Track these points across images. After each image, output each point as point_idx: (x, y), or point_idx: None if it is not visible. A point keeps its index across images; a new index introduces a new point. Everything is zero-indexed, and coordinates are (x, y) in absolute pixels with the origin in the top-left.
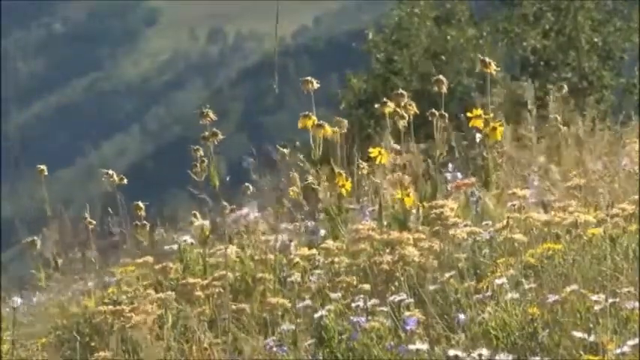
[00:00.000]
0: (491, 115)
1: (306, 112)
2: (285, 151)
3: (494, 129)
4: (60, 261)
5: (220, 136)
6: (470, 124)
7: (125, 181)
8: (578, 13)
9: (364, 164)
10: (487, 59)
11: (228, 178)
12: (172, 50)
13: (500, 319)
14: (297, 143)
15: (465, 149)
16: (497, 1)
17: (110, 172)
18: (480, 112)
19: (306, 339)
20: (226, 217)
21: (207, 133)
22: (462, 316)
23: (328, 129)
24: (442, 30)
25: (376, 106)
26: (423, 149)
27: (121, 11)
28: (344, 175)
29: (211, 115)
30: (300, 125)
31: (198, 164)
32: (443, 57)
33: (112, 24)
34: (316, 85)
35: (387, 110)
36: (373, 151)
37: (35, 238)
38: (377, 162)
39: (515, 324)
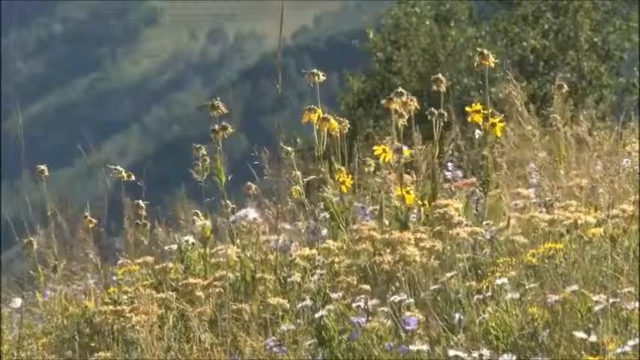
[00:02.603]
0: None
1: (311, 106)
2: (289, 149)
3: (493, 125)
4: (58, 261)
5: (230, 130)
6: (469, 120)
7: (132, 177)
8: (577, 12)
9: (371, 161)
10: (485, 51)
11: (230, 178)
12: (172, 50)
13: (501, 319)
14: (299, 141)
15: (465, 148)
16: (497, 0)
17: (118, 167)
18: (479, 106)
19: (306, 339)
20: (227, 216)
21: (217, 127)
22: (462, 317)
23: (334, 123)
24: (441, 29)
25: (382, 102)
26: (424, 148)
27: (121, 11)
28: (344, 171)
29: (222, 107)
30: (304, 119)
31: (200, 163)
32: (442, 57)
33: (112, 24)
34: (322, 78)
35: (393, 106)
36: (377, 149)
37: (31, 238)
38: (381, 160)
39: (516, 324)
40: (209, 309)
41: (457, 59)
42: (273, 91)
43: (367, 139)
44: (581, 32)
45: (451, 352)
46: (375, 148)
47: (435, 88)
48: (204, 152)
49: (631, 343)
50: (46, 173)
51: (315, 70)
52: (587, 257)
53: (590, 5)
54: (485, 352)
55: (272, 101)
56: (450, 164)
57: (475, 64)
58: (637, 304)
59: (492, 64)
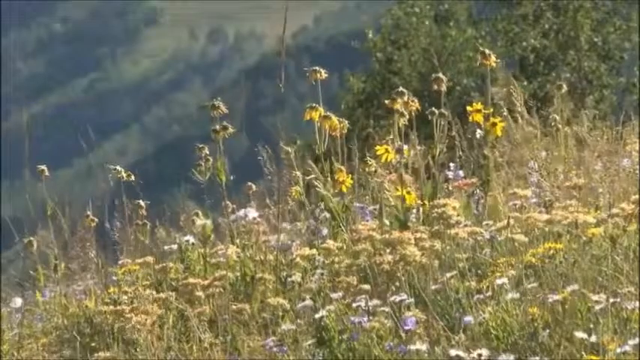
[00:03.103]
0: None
1: (313, 104)
2: (289, 149)
3: (494, 125)
4: (59, 261)
5: (230, 130)
6: (469, 119)
7: (132, 177)
8: (577, 12)
9: (372, 161)
10: (487, 51)
11: (232, 177)
12: (172, 50)
13: (501, 319)
14: (298, 142)
15: (466, 148)
16: (497, 0)
17: (118, 167)
18: (480, 105)
19: (306, 339)
20: (228, 216)
21: (217, 127)
22: (462, 317)
23: (335, 121)
24: (441, 29)
25: (386, 101)
26: (423, 148)
27: (121, 11)
28: (344, 171)
29: (222, 107)
30: (305, 117)
31: (202, 162)
32: (442, 57)
33: (112, 24)
34: (324, 75)
35: (396, 106)
36: (379, 149)
37: (32, 238)
38: (382, 160)
39: (516, 324)
40: (209, 309)
41: (457, 59)
42: (272, 91)
43: (367, 139)
44: (581, 32)
45: (451, 352)
46: (377, 148)
47: (435, 87)
48: (207, 152)
49: (631, 342)
50: (47, 173)
51: (317, 68)
52: (587, 257)
53: (591, 5)
54: (485, 351)
55: (273, 101)
56: (451, 164)
57: (477, 63)
58: (637, 303)
59: (494, 64)
